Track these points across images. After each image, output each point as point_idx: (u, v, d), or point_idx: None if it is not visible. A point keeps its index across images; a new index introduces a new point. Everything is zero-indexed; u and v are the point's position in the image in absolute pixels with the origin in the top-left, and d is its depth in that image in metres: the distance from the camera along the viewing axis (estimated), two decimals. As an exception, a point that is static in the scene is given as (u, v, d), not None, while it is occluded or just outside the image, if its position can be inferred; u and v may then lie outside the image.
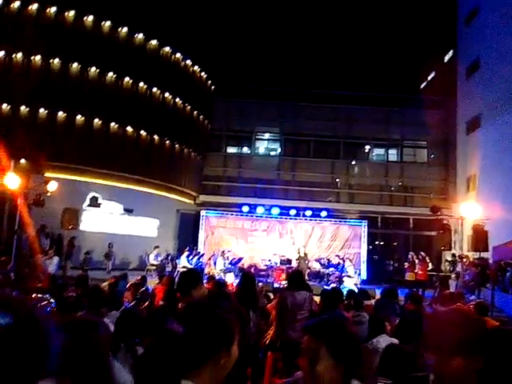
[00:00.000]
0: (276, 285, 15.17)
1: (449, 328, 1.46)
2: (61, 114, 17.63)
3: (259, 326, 5.53)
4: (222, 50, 22.69)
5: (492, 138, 18.50)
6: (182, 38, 20.39)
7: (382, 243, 23.30)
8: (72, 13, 18.16)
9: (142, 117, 19.42)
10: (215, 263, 17.41)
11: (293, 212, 20.32)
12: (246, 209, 20.43)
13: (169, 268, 17.16)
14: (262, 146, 25.48)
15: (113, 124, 18.71)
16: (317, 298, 6.02)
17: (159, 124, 20.12)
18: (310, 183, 23.65)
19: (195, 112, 22.37)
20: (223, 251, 18.06)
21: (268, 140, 25.51)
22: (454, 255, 16.52)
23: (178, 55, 21.25)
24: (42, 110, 17.37)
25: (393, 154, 24.83)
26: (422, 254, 16.02)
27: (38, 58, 17.53)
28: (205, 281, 6.27)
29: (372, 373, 3.32)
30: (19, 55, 17.37)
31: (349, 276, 16.27)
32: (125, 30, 19.22)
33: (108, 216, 18.71)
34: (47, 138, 17.00)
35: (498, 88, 18.16)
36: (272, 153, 25.29)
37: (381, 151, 25.07)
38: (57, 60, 17.74)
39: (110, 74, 18.70)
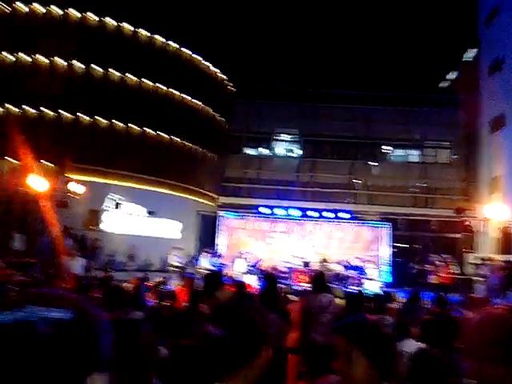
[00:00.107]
0: (295, 287, 15.07)
1: (490, 334, 1.43)
2: (84, 117, 17.97)
3: (282, 329, 5.50)
4: (241, 52, 22.83)
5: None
6: (202, 41, 20.55)
7: (403, 245, 22.94)
8: (94, 16, 18.51)
9: (162, 119, 19.63)
10: (234, 264, 17.42)
11: (312, 213, 20.18)
12: (265, 210, 20.38)
13: (189, 269, 17.23)
14: (281, 148, 25.44)
15: (134, 126, 18.96)
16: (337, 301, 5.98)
17: (179, 126, 20.29)
18: (329, 184, 23.50)
19: (215, 114, 22.48)
20: (242, 253, 18.06)
21: (287, 141, 25.45)
22: (482, 258, 16.11)
23: (198, 57, 21.42)
24: (66, 114, 17.71)
25: (413, 155, 24.47)
26: (446, 256, 15.73)
27: (61, 61, 17.90)
28: (227, 282, 6.29)
29: (396, 376, 3.28)
30: (44, 59, 17.76)
31: (371, 279, 16.04)
32: (144, 32, 19.51)
33: (131, 218, 18.92)
34: (71, 140, 17.31)
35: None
36: (291, 154, 25.21)
37: (401, 152, 24.75)
38: (80, 64, 18.09)
39: (132, 76, 18.97)
